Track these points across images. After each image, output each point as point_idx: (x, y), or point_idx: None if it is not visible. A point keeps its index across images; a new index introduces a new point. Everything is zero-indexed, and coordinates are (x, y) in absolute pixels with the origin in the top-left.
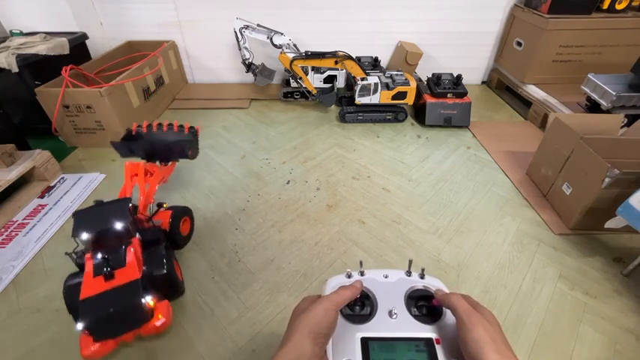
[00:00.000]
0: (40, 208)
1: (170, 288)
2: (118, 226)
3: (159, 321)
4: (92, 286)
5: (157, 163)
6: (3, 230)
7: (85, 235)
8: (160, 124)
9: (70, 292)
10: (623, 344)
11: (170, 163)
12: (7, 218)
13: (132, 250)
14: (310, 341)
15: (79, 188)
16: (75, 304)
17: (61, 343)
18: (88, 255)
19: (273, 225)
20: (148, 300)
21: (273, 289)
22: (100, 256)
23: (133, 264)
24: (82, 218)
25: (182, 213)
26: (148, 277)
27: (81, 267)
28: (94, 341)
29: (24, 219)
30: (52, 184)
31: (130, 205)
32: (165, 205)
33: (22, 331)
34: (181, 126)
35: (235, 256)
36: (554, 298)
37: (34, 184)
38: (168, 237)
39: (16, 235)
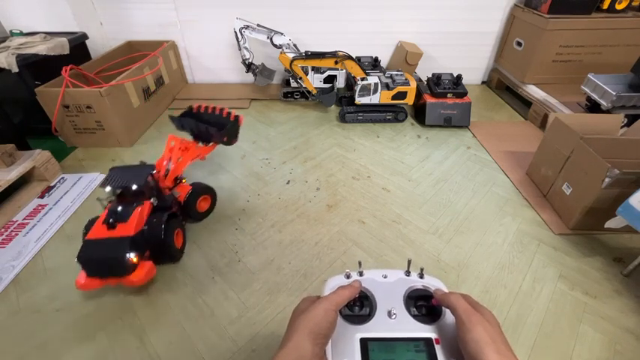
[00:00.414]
0: (40, 208)
1: (163, 252)
2: (134, 187)
3: (136, 277)
4: (97, 231)
5: (200, 143)
6: (3, 230)
7: (107, 188)
8: (208, 107)
9: (87, 229)
10: (623, 344)
11: (211, 144)
12: (7, 218)
13: (139, 210)
14: (310, 342)
15: (79, 188)
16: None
17: (61, 343)
18: (108, 205)
19: (273, 225)
20: (131, 256)
21: (273, 289)
22: (114, 208)
23: (132, 222)
24: (112, 174)
25: (202, 191)
26: (146, 237)
27: None
28: (86, 275)
29: (24, 219)
30: (52, 184)
31: (152, 172)
32: (184, 180)
33: (22, 331)
34: (229, 113)
35: (235, 256)
36: (554, 298)
37: (34, 184)
38: (182, 209)
39: (16, 235)
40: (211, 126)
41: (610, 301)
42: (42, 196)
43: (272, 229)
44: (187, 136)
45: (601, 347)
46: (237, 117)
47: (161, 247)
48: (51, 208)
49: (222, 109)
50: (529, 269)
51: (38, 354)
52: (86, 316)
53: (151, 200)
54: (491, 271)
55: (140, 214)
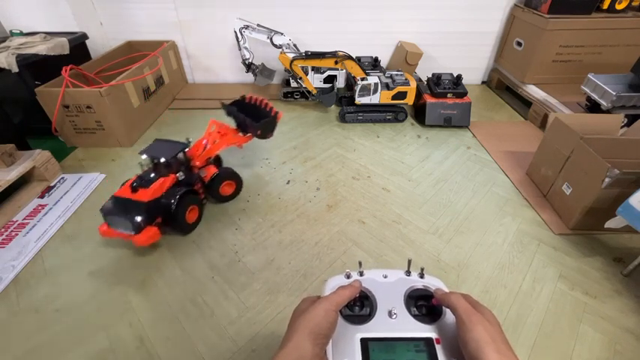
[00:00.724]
0: (40, 208)
1: (173, 222)
2: (162, 159)
3: (139, 238)
4: (124, 191)
5: (240, 132)
6: (3, 230)
7: (143, 156)
8: (258, 99)
9: (120, 205)
10: (623, 344)
11: (248, 134)
12: (7, 218)
13: (161, 181)
14: (310, 342)
15: (79, 188)
16: (137, 209)
17: (61, 343)
18: (143, 170)
19: (273, 225)
20: (138, 220)
21: (273, 289)
22: (145, 174)
23: (150, 190)
24: (153, 145)
25: (228, 176)
26: (161, 205)
27: None
28: (137, 233)
29: (24, 219)
30: (52, 184)
31: (185, 150)
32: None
33: (22, 331)
34: (271, 108)
35: (235, 256)
36: (554, 298)
37: (34, 184)
38: (206, 188)
39: (16, 235)
40: (254, 118)
41: (610, 301)
42: (42, 196)
43: (272, 229)
44: (232, 124)
45: (601, 347)
46: (276, 113)
47: (171, 217)
48: (51, 208)
49: (267, 104)
50: (529, 269)
51: (38, 354)
52: (86, 316)
53: (177, 174)
54: (491, 271)
55: (161, 184)
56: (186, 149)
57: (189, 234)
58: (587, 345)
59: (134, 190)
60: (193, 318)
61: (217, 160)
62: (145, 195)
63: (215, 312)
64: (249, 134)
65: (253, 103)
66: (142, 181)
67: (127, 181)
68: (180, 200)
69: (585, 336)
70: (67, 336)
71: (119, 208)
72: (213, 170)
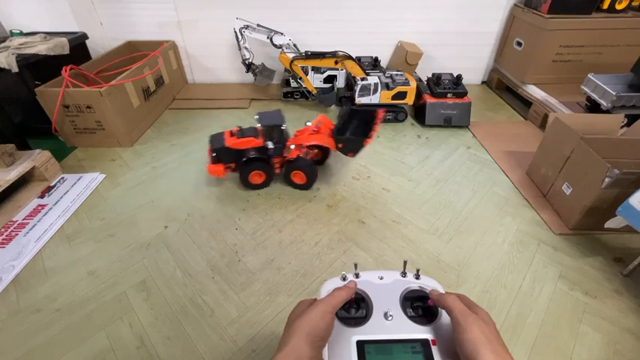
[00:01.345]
0: (40, 208)
1: (239, 174)
2: (258, 125)
3: (210, 168)
4: (227, 133)
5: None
6: (3, 230)
7: (256, 117)
8: (377, 112)
9: (214, 138)
10: (623, 344)
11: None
12: (7, 218)
13: (248, 139)
14: (308, 344)
15: (79, 188)
16: (213, 144)
17: (61, 343)
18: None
19: (273, 225)
20: (214, 154)
21: (273, 289)
22: (246, 129)
23: (237, 141)
24: (267, 112)
25: (299, 167)
26: (236, 156)
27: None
28: (211, 162)
29: (24, 219)
30: (52, 184)
31: (281, 127)
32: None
33: (22, 331)
34: (372, 129)
35: (235, 256)
36: (554, 298)
37: (34, 184)
38: (281, 166)
39: (16, 235)
40: (358, 128)
41: (610, 301)
42: (42, 196)
43: (272, 229)
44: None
45: (601, 347)
46: (364, 138)
47: (238, 168)
48: (51, 208)
49: (375, 125)
50: (529, 269)
51: (38, 354)
52: (86, 316)
53: (267, 143)
54: (491, 271)
55: (246, 141)
56: (282, 126)
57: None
58: (587, 345)
59: (230, 135)
60: (193, 318)
61: (325, 154)
62: (229, 141)
63: (215, 312)
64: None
65: (367, 113)
66: (240, 132)
67: (214, 134)
68: (247, 161)
69: (585, 336)
70: (67, 336)
71: (214, 142)
72: (293, 154)
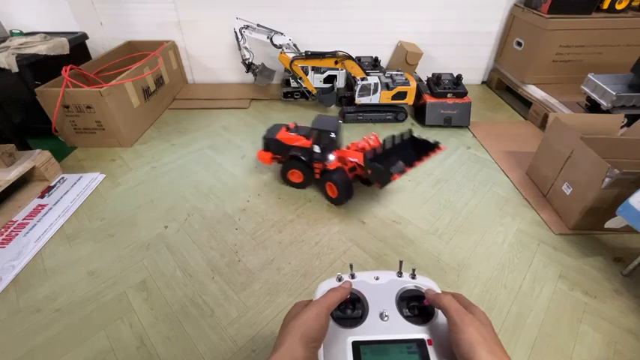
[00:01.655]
0: (40, 208)
1: (280, 163)
2: (312, 128)
3: (258, 153)
4: (284, 130)
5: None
6: (3, 230)
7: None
8: (437, 150)
9: (272, 128)
10: (623, 344)
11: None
12: (7, 218)
13: (298, 138)
14: (302, 346)
15: (79, 188)
16: (269, 132)
17: (61, 343)
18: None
19: (273, 225)
20: (264, 143)
21: (273, 289)
22: (302, 128)
23: (285, 136)
24: (325, 117)
25: (333, 180)
26: (282, 150)
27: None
28: (263, 150)
29: (24, 219)
30: (52, 184)
31: (330, 134)
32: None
33: (22, 331)
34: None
35: (235, 256)
36: (554, 298)
37: (34, 184)
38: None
39: (16, 235)
40: (399, 155)
41: (610, 301)
42: (42, 196)
43: (272, 229)
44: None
45: (601, 347)
46: (390, 173)
47: (280, 160)
48: (51, 208)
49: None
50: (529, 269)
51: (38, 354)
52: (86, 316)
53: (314, 146)
54: (491, 271)
55: (293, 139)
56: (331, 134)
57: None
58: (587, 345)
59: (287, 129)
60: (193, 318)
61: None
62: (281, 134)
63: (215, 312)
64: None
65: (414, 143)
66: (295, 129)
67: (270, 127)
68: (288, 158)
69: (585, 336)
70: (67, 336)
71: (270, 131)
72: (333, 166)
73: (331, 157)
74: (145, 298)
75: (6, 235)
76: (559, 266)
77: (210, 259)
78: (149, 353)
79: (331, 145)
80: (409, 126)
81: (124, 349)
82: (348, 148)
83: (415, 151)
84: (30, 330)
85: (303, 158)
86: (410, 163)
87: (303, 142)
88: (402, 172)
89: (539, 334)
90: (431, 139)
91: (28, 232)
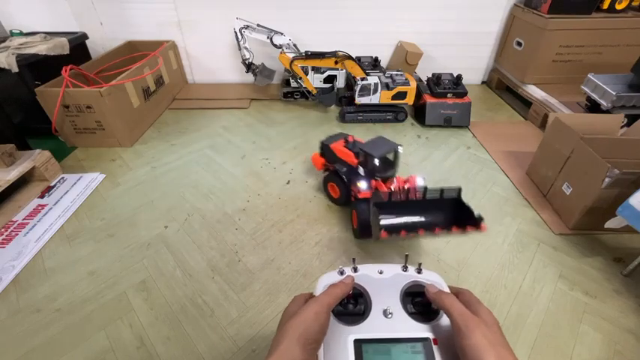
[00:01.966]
0: (40, 208)
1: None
2: (360, 150)
3: (313, 156)
4: (338, 142)
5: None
6: (3, 230)
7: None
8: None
9: (333, 136)
10: (623, 344)
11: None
12: (7, 218)
13: (348, 152)
14: (300, 347)
15: (79, 188)
16: (326, 142)
17: (61, 343)
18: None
19: (273, 225)
20: (320, 147)
21: (273, 289)
22: (356, 144)
23: (337, 148)
24: (383, 140)
25: (332, 179)
26: (330, 160)
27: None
28: (320, 155)
29: (24, 219)
30: (52, 184)
31: (374, 159)
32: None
33: (22, 331)
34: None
35: (235, 256)
36: (554, 298)
37: (34, 184)
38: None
39: (16, 235)
40: (423, 212)
41: (610, 301)
42: (42, 196)
43: (272, 229)
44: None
45: (601, 347)
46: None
47: (328, 169)
48: (51, 208)
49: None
50: (529, 269)
51: (38, 354)
52: (86, 316)
53: (358, 167)
54: (491, 271)
55: (345, 153)
56: (376, 160)
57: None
58: (587, 345)
59: (345, 141)
60: (193, 318)
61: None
62: (335, 144)
63: (215, 312)
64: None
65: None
66: (351, 143)
67: (325, 141)
68: (331, 171)
69: (585, 336)
70: (67, 336)
71: (329, 138)
72: (362, 196)
73: (364, 184)
74: (145, 298)
75: (6, 235)
76: (559, 266)
77: (210, 259)
78: (149, 353)
79: (374, 171)
80: (409, 126)
81: (124, 349)
82: (391, 181)
83: (451, 215)
84: (30, 330)
85: (343, 176)
86: (430, 226)
87: (351, 159)
88: (410, 230)
89: (539, 334)
90: (474, 210)
91: (28, 232)
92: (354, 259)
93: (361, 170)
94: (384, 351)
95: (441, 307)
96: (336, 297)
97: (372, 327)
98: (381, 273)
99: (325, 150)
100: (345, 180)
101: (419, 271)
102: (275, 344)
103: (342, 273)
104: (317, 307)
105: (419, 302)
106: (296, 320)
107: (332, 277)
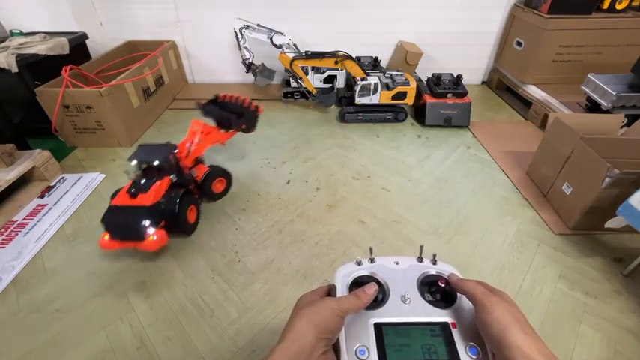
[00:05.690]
0: (40, 208)
1: (177, 224)
2: (155, 163)
3: (150, 243)
4: (121, 199)
5: (221, 129)
6: (3, 230)
7: (133, 162)
8: (232, 97)
9: (113, 197)
10: (623, 344)
11: (231, 130)
12: (7, 218)
13: (158, 184)
14: (314, 334)
15: (79, 188)
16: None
17: (61, 343)
18: (133, 177)
19: (273, 225)
20: (147, 224)
21: (273, 289)
22: (138, 180)
23: (151, 194)
24: (139, 150)
25: (219, 173)
26: (162, 209)
27: None
28: (109, 238)
29: (24, 219)
30: (52, 184)
31: (174, 151)
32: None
33: (22, 331)
34: (250, 103)
35: (235, 256)
36: (554, 298)
37: (34, 184)
38: (199, 188)
39: (16, 235)
40: (233, 114)
41: (610, 301)
42: (42, 196)
43: (272, 229)
44: (211, 122)
45: (601, 347)
46: (257, 107)
47: (175, 219)
48: (51, 208)
49: (244, 100)
50: (529, 269)
51: (38, 354)
52: (86, 316)
53: (171, 177)
54: (491, 271)
55: (159, 187)
56: (175, 151)
57: (191, 235)
58: (587, 345)
59: (133, 196)
60: (193, 318)
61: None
62: (146, 199)
63: (215, 312)
64: (232, 130)
65: (228, 101)
66: (139, 186)
67: (117, 191)
68: (181, 201)
69: (585, 336)
70: (67, 336)
71: (122, 218)
72: (204, 169)
73: (201, 167)
74: (145, 298)
75: (6, 235)
76: (559, 266)
77: (210, 259)
78: (149, 353)
79: (177, 164)
80: (409, 126)
81: (123, 349)
82: (182, 150)
83: (233, 109)
84: (30, 330)
85: (187, 190)
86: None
87: (166, 181)
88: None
89: (539, 334)
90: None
91: (28, 232)
92: (371, 249)
93: (174, 177)
94: (404, 333)
95: (462, 289)
96: (354, 307)
97: (391, 311)
98: (397, 264)
99: (156, 215)
100: (188, 189)
101: (434, 262)
102: (290, 326)
103: (359, 263)
104: (335, 305)
105: (435, 290)
106: (312, 309)
107: (350, 267)
